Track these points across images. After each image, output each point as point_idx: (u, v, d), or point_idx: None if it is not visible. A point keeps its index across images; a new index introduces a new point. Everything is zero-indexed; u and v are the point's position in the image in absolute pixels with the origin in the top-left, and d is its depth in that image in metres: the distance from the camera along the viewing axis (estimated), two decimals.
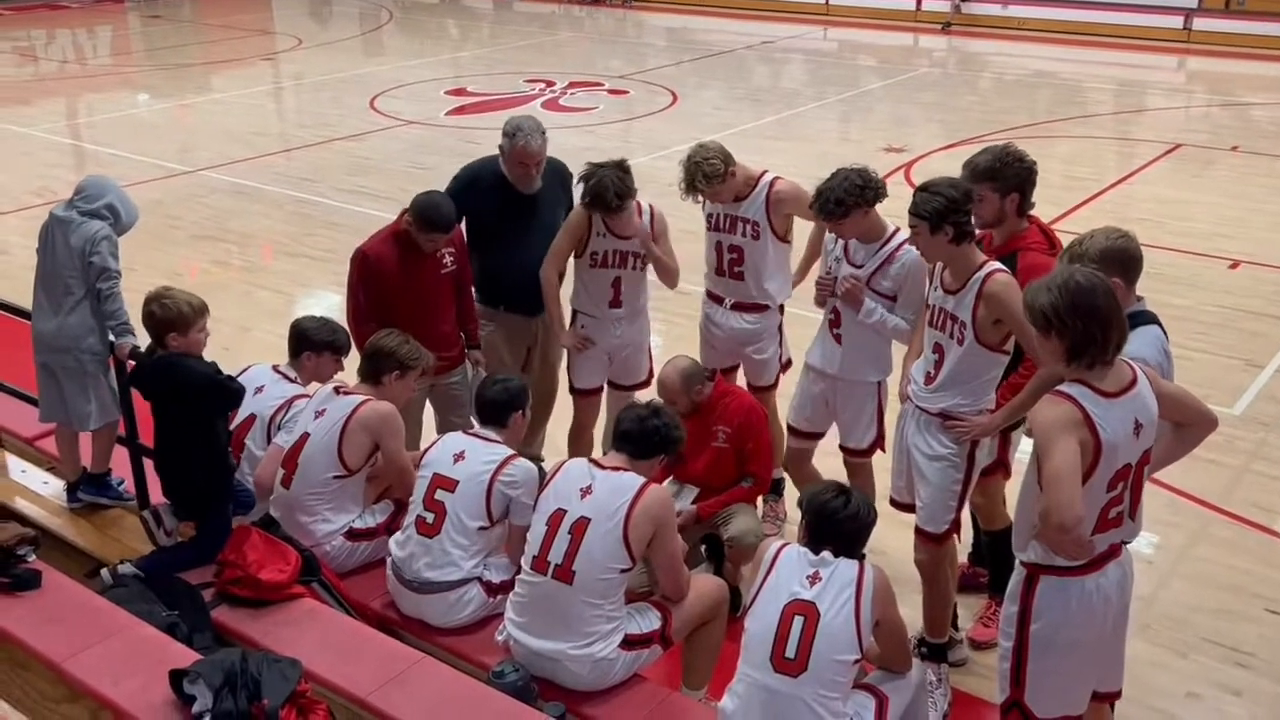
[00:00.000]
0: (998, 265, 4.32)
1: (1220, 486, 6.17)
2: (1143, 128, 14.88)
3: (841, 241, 4.96)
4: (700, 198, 5.32)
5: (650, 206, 5.48)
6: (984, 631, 5.06)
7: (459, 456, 4.39)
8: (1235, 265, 9.51)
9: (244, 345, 7.62)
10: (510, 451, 4.44)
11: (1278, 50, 18.87)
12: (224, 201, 11.69)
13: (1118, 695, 3.78)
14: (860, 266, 4.93)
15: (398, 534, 4.53)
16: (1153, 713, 4.62)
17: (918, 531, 4.65)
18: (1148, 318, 3.84)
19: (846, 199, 4.70)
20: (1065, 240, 4.65)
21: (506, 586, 4.32)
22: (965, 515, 4.79)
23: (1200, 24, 20.00)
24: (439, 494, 4.35)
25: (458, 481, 4.33)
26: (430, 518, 4.35)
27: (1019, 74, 18.79)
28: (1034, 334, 3.45)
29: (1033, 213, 4.67)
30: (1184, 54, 19.55)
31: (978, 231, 4.43)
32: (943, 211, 4.20)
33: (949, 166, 11.50)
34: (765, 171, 5.41)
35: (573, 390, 5.78)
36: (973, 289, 4.28)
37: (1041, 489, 3.28)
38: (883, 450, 5.26)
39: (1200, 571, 5.59)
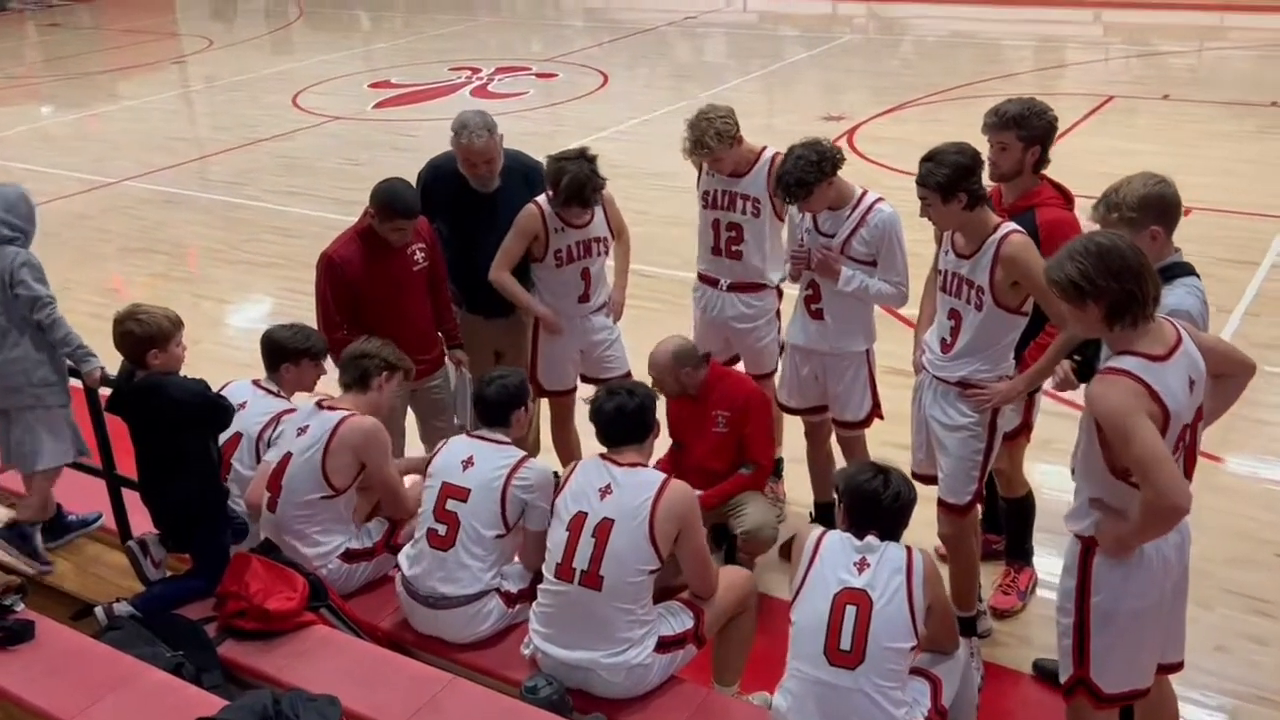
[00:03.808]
0: (1013, 226, 4.20)
1: (1214, 435, 6.11)
2: (1068, 82, 14.98)
3: (809, 213, 4.82)
4: (702, 160, 5.11)
5: None
6: (1005, 600, 4.98)
7: (468, 463, 4.17)
8: (1187, 213, 9.52)
9: (194, 359, 7.19)
10: (522, 454, 4.23)
11: None
12: (152, 211, 11.24)
13: (1179, 666, 3.66)
14: (832, 235, 4.79)
15: (407, 548, 4.30)
16: (1187, 670, 4.55)
17: (940, 504, 4.54)
18: (1185, 268, 3.75)
19: (807, 178, 4.58)
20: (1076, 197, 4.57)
21: (525, 595, 4.14)
22: None
23: None
24: (450, 504, 4.12)
25: (470, 490, 4.11)
26: (443, 530, 4.12)
27: (939, 35, 18.83)
28: (1066, 308, 3.30)
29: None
30: (1098, 6, 19.73)
31: (989, 187, 4.31)
32: (953, 180, 4.08)
33: (892, 131, 11.34)
34: (766, 147, 5.23)
35: (544, 393, 5.54)
36: (988, 252, 4.16)
37: (1132, 473, 3.18)
38: (880, 418, 5.14)
39: (1208, 522, 5.48)
